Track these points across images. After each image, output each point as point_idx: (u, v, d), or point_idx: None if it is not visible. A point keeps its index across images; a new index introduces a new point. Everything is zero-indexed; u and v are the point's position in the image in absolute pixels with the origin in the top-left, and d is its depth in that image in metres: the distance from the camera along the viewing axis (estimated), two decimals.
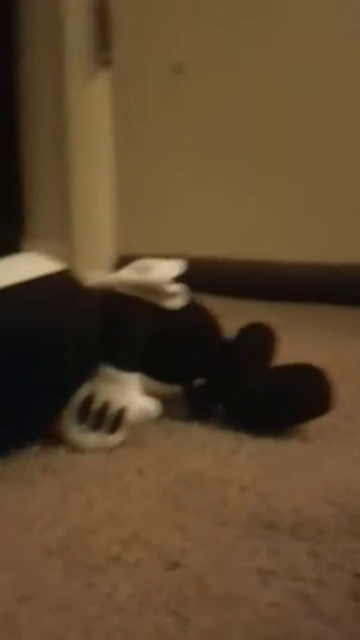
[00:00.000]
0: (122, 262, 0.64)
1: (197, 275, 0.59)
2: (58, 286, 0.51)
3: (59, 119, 1.42)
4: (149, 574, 0.38)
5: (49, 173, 1.47)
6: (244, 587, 0.36)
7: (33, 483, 0.50)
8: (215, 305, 0.65)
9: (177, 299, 0.56)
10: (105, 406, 0.54)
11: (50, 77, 1.40)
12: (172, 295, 0.55)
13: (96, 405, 0.54)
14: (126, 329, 0.54)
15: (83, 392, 0.54)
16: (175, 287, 0.56)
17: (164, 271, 0.55)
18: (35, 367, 0.48)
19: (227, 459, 0.53)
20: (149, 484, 0.49)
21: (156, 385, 0.61)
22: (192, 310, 0.58)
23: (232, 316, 0.66)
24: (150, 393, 0.56)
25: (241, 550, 0.40)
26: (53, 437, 0.57)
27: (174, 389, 0.64)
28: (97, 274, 0.60)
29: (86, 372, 0.53)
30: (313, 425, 0.59)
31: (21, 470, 0.52)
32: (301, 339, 0.86)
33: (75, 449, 0.55)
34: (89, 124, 1.40)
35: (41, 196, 1.49)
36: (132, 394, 0.54)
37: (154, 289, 0.55)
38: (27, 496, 0.48)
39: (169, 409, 0.59)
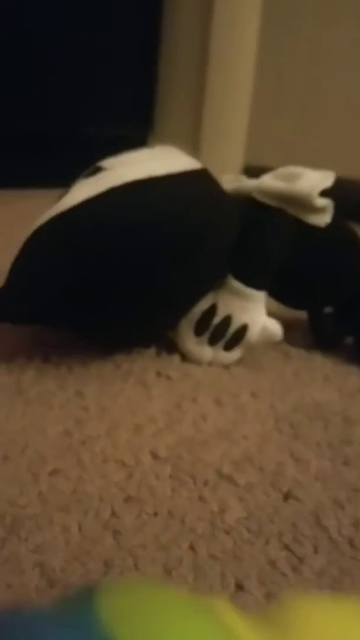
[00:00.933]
0: (250, 173, 0.58)
1: (341, 198, 0.52)
2: (200, 184, 0.47)
3: (203, 15, 1.32)
4: (261, 500, 0.36)
5: (185, 72, 1.39)
6: None
7: (147, 386, 0.49)
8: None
9: (325, 215, 0.50)
10: (226, 321, 0.50)
11: None
12: (320, 210, 0.50)
13: (217, 319, 0.51)
14: (263, 242, 0.50)
15: (205, 303, 0.51)
16: (324, 202, 0.49)
17: (313, 182, 0.48)
18: (172, 266, 0.45)
19: (354, 396, 0.49)
20: (265, 408, 0.46)
21: (279, 307, 0.57)
22: (338, 230, 0.52)
23: None
24: (270, 314, 0.52)
25: None
26: (168, 344, 0.55)
27: (297, 314, 0.60)
28: (234, 178, 0.55)
29: (214, 281, 0.49)
30: None
31: (137, 371, 0.51)
32: None
33: (189, 359, 0.53)
34: (236, 21, 1.29)
35: (174, 96, 1.42)
36: (257, 313, 0.50)
37: (300, 201, 0.49)
38: (140, 398, 0.47)
39: (289, 334, 0.55)
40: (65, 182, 0.50)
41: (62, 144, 1.28)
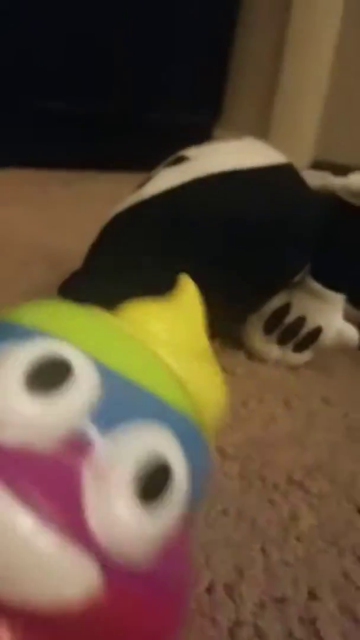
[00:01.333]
0: (319, 169, 0.57)
1: None
2: (286, 179, 0.46)
3: (281, 3, 1.29)
4: (334, 511, 0.35)
5: (258, 62, 1.37)
6: None
7: None
8: None
9: None
10: (299, 321, 0.50)
11: None
12: None
13: (289, 318, 0.50)
14: (348, 243, 0.48)
15: (278, 300, 0.51)
16: None
17: None
18: (253, 259, 0.44)
19: None
20: (336, 414, 0.45)
21: (353, 311, 0.55)
22: None
23: None
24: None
25: None
26: (233, 339, 0.55)
27: None
28: (319, 174, 0.53)
29: (292, 278, 0.48)
30: None
31: None
32: None
33: (255, 357, 0.53)
34: (315, 12, 1.26)
35: (245, 86, 1.40)
36: (333, 316, 0.49)
37: None
38: None
39: None
40: (128, 166, 0.50)
41: (126, 128, 1.28)
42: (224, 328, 0.55)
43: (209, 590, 0.29)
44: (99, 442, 0.17)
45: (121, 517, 0.16)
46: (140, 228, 0.45)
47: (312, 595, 0.29)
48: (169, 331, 0.24)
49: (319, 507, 0.35)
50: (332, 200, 0.50)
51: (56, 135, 1.22)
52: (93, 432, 0.17)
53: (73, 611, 0.15)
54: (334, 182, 0.51)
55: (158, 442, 0.18)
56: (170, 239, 0.44)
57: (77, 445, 0.16)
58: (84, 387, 0.17)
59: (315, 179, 0.52)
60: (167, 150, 0.51)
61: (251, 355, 0.53)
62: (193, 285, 0.27)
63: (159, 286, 0.46)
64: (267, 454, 0.40)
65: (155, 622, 0.16)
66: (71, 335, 0.19)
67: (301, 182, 0.47)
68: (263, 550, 0.32)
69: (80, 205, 1.00)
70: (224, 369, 0.51)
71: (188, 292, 0.27)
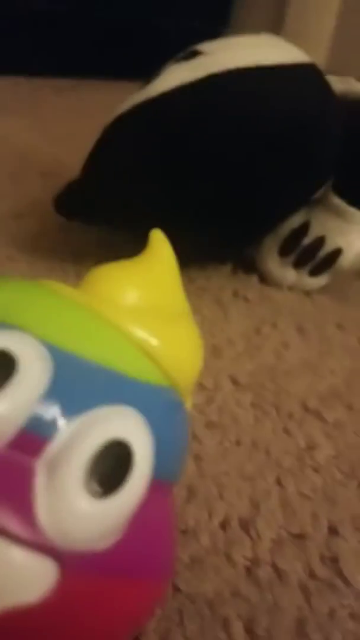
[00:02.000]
0: None
1: None
2: (311, 79, 0.41)
3: None
4: (352, 440, 0.33)
5: None
6: None
7: (224, 306, 0.46)
8: None
9: None
10: (318, 242, 0.46)
11: None
12: None
13: (308, 239, 0.47)
14: None
15: (296, 220, 0.47)
16: None
17: None
18: (272, 168, 0.40)
19: None
20: (352, 341, 0.43)
21: None
22: None
23: None
24: None
25: None
26: (245, 262, 0.51)
27: None
28: (342, 79, 0.48)
29: (312, 193, 0.44)
30: None
31: (212, 289, 0.48)
32: None
33: (269, 281, 0.49)
34: None
35: None
36: (355, 236, 0.45)
37: None
38: (217, 318, 0.44)
39: None
40: (130, 74, 0.45)
41: (130, 34, 1.19)
42: (237, 251, 0.52)
43: (223, 525, 0.27)
44: (53, 434, 0.15)
45: (74, 510, 0.15)
46: (146, 131, 0.41)
47: (333, 531, 0.27)
48: (137, 296, 0.21)
49: (336, 437, 0.33)
50: (356, 107, 0.45)
51: (54, 40, 1.13)
52: (46, 426, 0.15)
53: (30, 612, 0.14)
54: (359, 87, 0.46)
55: (118, 425, 0.16)
56: (181, 145, 0.39)
57: (29, 442, 0.15)
58: (31, 380, 0.16)
59: (338, 84, 0.47)
60: (173, 57, 0.45)
61: (264, 279, 0.50)
62: (166, 241, 0.25)
63: (164, 199, 0.43)
64: (281, 382, 0.38)
65: (121, 607, 0.16)
66: (16, 318, 0.17)
67: (327, 84, 0.42)
68: (279, 482, 0.30)
69: (77, 115, 0.93)
70: (236, 294, 0.48)
71: (160, 249, 0.24)
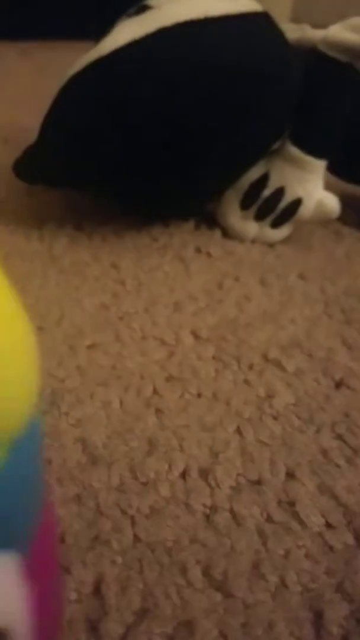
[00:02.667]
0: None
1: None
2: (261, 29, 0.40)
3: None
4: (311, 387, 0.34)
5: None
6: None
7: (186, 262, 0.45)
8: None
9: None
10: (278, 193, 0.46)
11: None
12: None
13: (267, 191, 0.46)
14: (329, 102, 0.43)
15: (255, 172, 0.46)
16: None
17: None
18: (223, 122, 0.39)
19: None
20: (313, 290, 0.43)
21: (334, 181, 0.51)
22: None
23: None
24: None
25: None
26: (207, 218, 0.51)
27: (350, 189, 0.54)
28: (296, 27, 0.47)
29: (269, 145, 0.44)
30: None
31: (175, 246, 0.47)
32: None
33: (231, 236, 0.49)
34: None
35: None
36: (314, 185, 0.45)
37: None
38: (179, 274, 0.44)
39: (341, 212, 0.50)
40: (98, 34, 0.43)
41: None
42: (198, 207, 0.51)
43: (183, 475, 0.27)
44: None
45: None
46: (98, 90, 0.39)
47: (291, 476, 0.28)
48: None
49: (295, 385, 0.34)
50: (310, 55, 0.44)
51: (20, 2, 1.08)
52: None
53: None
54: (313, 35, 0.44)
55: None
56: (133, 102, 0.38)
57: None
58: None
59: (292, 32, 0.46)
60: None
61: (226, 234, 0.49)
62: None
63: (119, 159, 0.42)
64: (243, 334, 0.38)
65: None
66: None
67: (280, 33, 0.41)
68: (239, 431, 0.30)
69: (42, 78, 0.90)
70: (198, 250, 0.47)
71: None
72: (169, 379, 0.34)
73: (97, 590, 0.22)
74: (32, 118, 0.45)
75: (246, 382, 0.34)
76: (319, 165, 0.44)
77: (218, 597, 0.22)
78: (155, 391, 0.33)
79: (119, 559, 0.24)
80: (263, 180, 0.46)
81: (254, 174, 0.46)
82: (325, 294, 0.43)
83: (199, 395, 0.33)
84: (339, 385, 0.34)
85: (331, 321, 0.40)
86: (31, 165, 0.45)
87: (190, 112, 0.38)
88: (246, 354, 0.36)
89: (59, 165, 0.43)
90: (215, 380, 0.34)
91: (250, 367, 0.35)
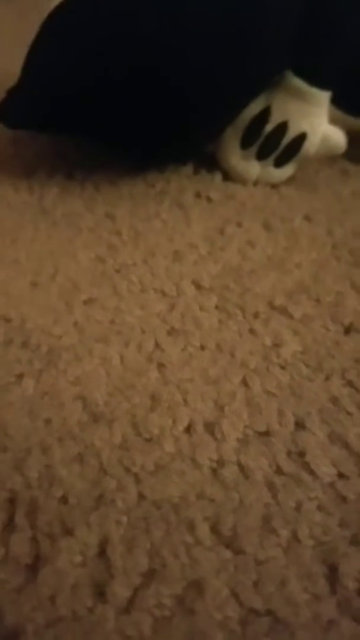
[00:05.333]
0: None
1: None
2: None
3: None
4: (320, 334, 0.32)
5: None
6: None
7: (185, 209, 0.43)
8: None
9: None
10: (280, 128, 0.43)
11: None
12: None
13: (270, 127, 0.43)
14: (333, 27, 0.40)
15: (256, 106, 0.43)
16: None
17: None
18: (217, 53, 0.36)
19: None
20: (320, 233, 0.41)
21: (339, 115, 0.48)
22: None
23: None
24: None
25: None
26: (207, 161, 0.48)
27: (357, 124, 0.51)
28: None
29: (268, 77, 0.41)
30: None
31: (172, 192, 0.45)
32: None
33: (233, 178, 0.47)
34: None
35: None
36: (318, 119, 0.42)
37: None
38: (178, 222, 0.42)
39: (347, 149, 0.47)
40: None
41: None
42: (196, 149, 0.48)
43: (188, 430, 0.26)
44: None
45: None
46: (84, 22, 0.36)
47: (300, 426, 0.27)
48: None
49: (303, 332, 0.32)
50: None
51: None
52: None
53: None
54: None
55: None
56: (117, 32, 0.35)
57: None
58: None
59: None
60: None
61: (227, 176, 0.47)
62: None
63: (107, 97, 0.39)
64: (247, 282, 0.36)
65: None
66: None
67: None
68: (244, 382, 0.29)
69: (23, 24, 0.85)
70: (198, 195, 0.45)
71: None
72: (171, 332, 0.32)
73: (103, 552, 0.22)
74: (16, 65, 0.42)
75: (251, 331, 0.32)
76: (324, 97, 0.41)
77: (228, 554, 0.22)
78: (156, 345, 0.31)
79: (124, 519, 0.23)
80: (264, 115, 0.43)
81: (254, 108, 0.43)
82: (333, 235, 0.41)
83: (202, 347, 0.31)
84: (348, 330, 0.33)
85: (339, 264, 0.38)
86: (15, 108, 0.42)
87: (178, 45, 0.35)
88: (251, 303, 0.34)
89: (43, 104, 0.41)
90: (219, 331, 0.32)
91: (256, 315, 0.34)
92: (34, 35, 0.41)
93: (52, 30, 0.39)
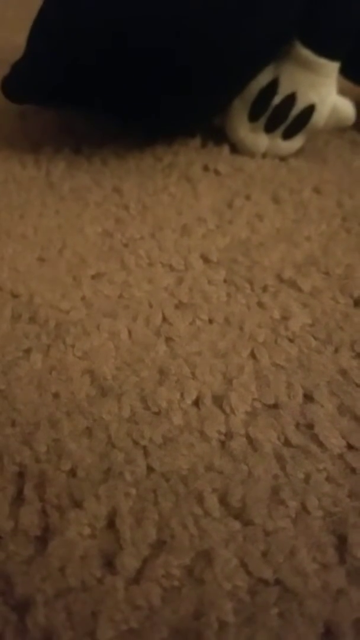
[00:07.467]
0: None
1: None
2: None
3: None
4: (329, 306, 0.32)
5: None
6: None
7: (193, 182, 0.43)
8: None
9: None
10: (289, 100, 0.42)
11: None
12: None
13: (278, 98, 0.42)
14: None
15: (264, 78, 0.43)
16: None
17: None
18: (221, 25, 0.35)
19: None
20: (330, 205, 0.40)
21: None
22: None
23: None
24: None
25: None
26: (215, 133, 0.47)
27: None
28: None
29: (276, 48, 0.40)
30: None
31: (180, 165, 0.44)
32: None
33: (241, 150, 0.46)
34: None
35: None
36: (327, 90, 0.41)
37: None
38: (186, 196, 0.41)
39: (358, 120, 0.46)
40: None
41: None
42: (203, 121, 0.48)
43: (196, 403, 0.26)
44: None
45: None
46: None
47: (308, 398, 0.26)
48: None
49: (312, 305, 0.32)
50: None
51: None
52: None
53: None
54: None
55: None
56: (119, 7, 0.35)
57: None
58: None
59: None
60: None
61: (235, 149, 0.46)
62: None
63: (114, 69, 0.38)
64: (255, 255, 0.36)
65: None
66: None
67: None
68: (253, 355, 0.29)
69: None
70: (206, 168, 0.44)
71: None
72: (179, 305, 0.32)
73: (111, 523, 0.22)
74: (22, 38, 0.41)
75: (260, 304, 0.32)
76: (333, 68, 0.40)
77: (237, 525, 0.22)
78: (164, 319, 0.31)
79: (133, 491, 0.23)
80: (272, 86, 0.42)
81: (262, 80, 0.42)
82: (343, 207, 0.40)
83: (211, 321, 0.31)
84: (357, 302, 0.32)
85: (349, 236, 0.37)
86: (20, 82, 0.42)
87: (182, 19, 0.34)
88: (259, 276, 0.34)
89: (48, 75, 0.40)
90: (228, 305, 0.32)
91: (264, 289, 0.33)
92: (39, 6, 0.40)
93: (51, 5, 0.39)
